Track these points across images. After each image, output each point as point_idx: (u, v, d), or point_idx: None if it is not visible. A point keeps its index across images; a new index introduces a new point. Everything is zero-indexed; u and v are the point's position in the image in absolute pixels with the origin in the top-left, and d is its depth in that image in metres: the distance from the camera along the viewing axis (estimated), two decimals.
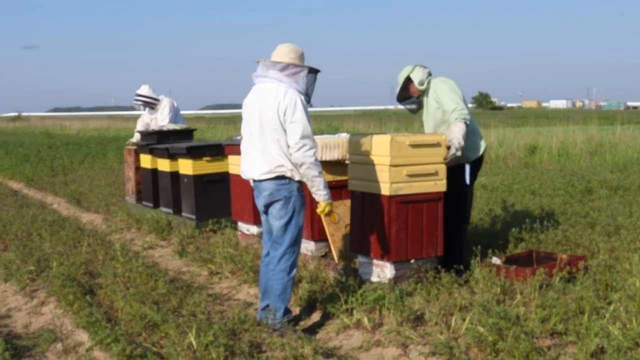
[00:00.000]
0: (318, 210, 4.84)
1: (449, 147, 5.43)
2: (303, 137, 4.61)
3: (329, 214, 4.87)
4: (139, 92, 10.14)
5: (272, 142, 4.69)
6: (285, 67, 4.69)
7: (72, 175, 15.38)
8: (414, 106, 6.08)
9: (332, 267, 5.91)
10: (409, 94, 6.00)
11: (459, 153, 5.47)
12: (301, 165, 4.63)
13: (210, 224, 8.26)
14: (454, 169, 5.59)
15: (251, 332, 4.69)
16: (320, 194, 4.74)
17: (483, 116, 38.84)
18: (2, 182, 15.48)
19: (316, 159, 4.66)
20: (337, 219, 6.11)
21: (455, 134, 5.50)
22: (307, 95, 4.85)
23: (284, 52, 4.75)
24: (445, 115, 5.70)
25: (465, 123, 5.57)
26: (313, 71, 4.91)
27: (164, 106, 10.11)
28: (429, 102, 5.88)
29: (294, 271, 4.85)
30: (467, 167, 5.73)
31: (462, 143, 5.48)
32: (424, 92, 5.89)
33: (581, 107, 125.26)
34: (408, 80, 5.87)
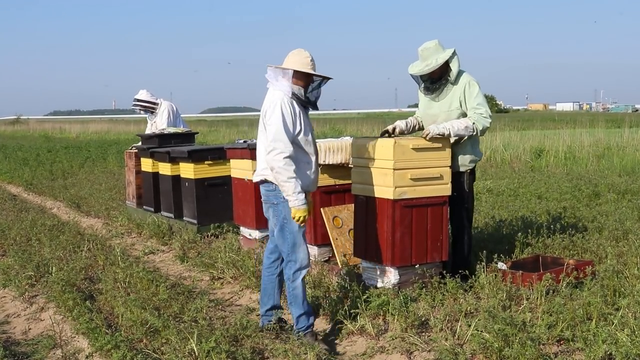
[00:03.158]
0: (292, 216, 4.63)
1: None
2: (274, 140, 4.54)
3: (303, 221, 4.60)
4: (137, 97, 10.21)
5: (260, 144, 4.77)
6: (274, 70, 4.72)
7: (71, 179, 15.38)
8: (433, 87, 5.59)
9: (336, 272, 5.85)
10: (428, 75, 5.57)
11: (435, 133, 5.29)
12: (271, 168, 4.58)
13: (211, 228, 8.21)
14: (455, 175, 5.50)
15: (253, 338, 4.66)
16: (289, 199, 4.56)
17: None
18: (1, 186, 15.48)
19: (286, 164, 4.51)
20: (341, 224, 6.05)
21: (455, 123, 5.34)
22: (305, 99, 4.72)
23: (286, 57, 4.78)
24: (461, 115, 5.51)
25: (475, 130, 5.40)
26: (306, 75, 4.74)
27: (162, 110, 10.14)
28: (453, 97, 5.52)
29: (299, 279, 4.70)
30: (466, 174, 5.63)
31: (450, 134, 5.32)
32: (449, 82, 5.52)
33: (588, 110, 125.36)
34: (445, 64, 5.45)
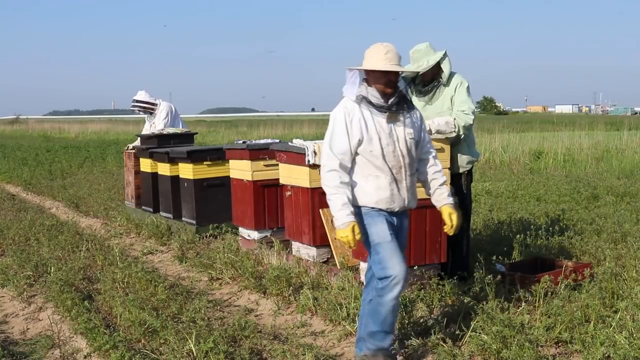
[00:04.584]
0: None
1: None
2: (323, 152, 4.10)
3: (348, 244, 3.99)
4: (136, 97, 10.22)
5: None
6: (346, 75, 4.15)
7: (70, 179, 15.36)
8: (427, 90, 5.56)
9: (334, 273, 5.85)
10: (420, 78, 5.57)
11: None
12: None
13: (210, 229, 8.21)
14: (453, 177, 5.50)
15: (252, 338, 4.65)
16: (333, 219, 4.04)
17: (487, 121, 38.84)
18: (0, 185, 15.44)
19: (328, 179, 4.01)
20: None
21: (436, 120, 5.32)
22: (381, 102, 4.03)
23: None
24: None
25: (457, 126, 5.37)
26: (383, 73, 4.01)
27: (160, 110, 10.15)
28: (445, 99, 5.51)
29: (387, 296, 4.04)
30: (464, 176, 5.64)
31: (431, 130, 5.24)
32: (440, 84, 5.52)
33: (587, 113, 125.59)
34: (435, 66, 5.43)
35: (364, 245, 4.17)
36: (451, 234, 4.19)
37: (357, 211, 4.04)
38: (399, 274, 3.94)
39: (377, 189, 4.03)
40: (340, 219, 3.95)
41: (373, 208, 4.05)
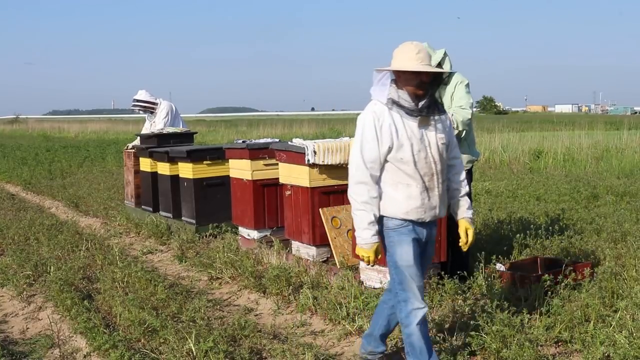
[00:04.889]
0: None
1: None
2: (350, 162, 3.82)
3: (368, 262, 3.80)
4: (137, 97, 10.22)
5: None
6: (374, 76, 3.86)
7: (70, 178, 15.36)
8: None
9: (334, 272, 5.85)
10: None
11: None
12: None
13: (210, 228, 8.19)
14: None
15: (251, 338, 4.65)
16: (356, 234, 3.83)
17: (487, 120, 38.83)
18: (0, 185, 15.44)
19: (354, 192, 3.76)
20: (339, 224, 6.05)
21: None
22: (410, 105, 3.73)
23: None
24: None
25: (455, 122, 5.36)
26: (414, 74, 3.73)
27: (161, 110, 10.15)
28: (445, 98, 5.54)
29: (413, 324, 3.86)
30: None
31: None
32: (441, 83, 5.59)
33: (587, 112, 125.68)
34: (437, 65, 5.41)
35: (385, 256, 3.95)
36: (465, 249, 4.07)
37: (386, 223, 3.82)
38: (418, 298, 3.81)
39: (407, 198, 3.76)
40: (364, 237, 3.75)
41: (404, 220, 3.79)
